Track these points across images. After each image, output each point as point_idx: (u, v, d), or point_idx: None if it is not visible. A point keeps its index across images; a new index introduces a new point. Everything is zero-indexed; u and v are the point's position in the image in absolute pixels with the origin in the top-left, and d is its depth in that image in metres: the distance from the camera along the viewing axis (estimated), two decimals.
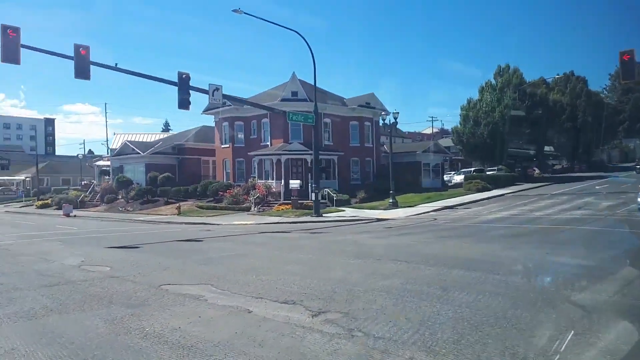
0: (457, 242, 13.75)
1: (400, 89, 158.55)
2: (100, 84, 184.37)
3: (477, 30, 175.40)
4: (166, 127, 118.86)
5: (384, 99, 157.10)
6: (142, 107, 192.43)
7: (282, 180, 34.70)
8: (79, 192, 47.60)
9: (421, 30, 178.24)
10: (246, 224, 24.26)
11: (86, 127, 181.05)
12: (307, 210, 28.25)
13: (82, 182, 52.59)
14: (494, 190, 35.86)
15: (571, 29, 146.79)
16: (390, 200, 29.55)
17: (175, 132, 54.21)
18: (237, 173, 39.72)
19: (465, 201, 30.62)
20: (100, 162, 52.94)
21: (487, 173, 42.51)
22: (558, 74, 44.47)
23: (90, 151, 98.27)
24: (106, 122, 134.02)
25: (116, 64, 19.55)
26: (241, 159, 39.55)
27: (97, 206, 43.52)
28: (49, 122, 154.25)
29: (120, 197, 42.27)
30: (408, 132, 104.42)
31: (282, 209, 28.95)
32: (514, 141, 43.64)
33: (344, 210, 28.86)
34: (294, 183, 31.45)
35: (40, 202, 47.67)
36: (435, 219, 22.83)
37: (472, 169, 49.98)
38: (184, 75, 20.64)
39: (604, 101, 58.00)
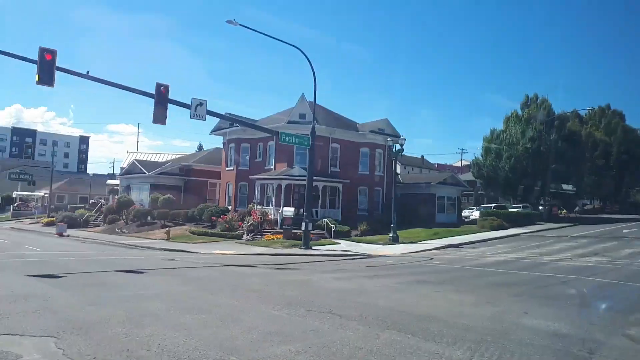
0: (430, 290, 11.60)
1: (436, 120, 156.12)
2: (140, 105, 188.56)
3: (517, 61, 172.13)
4: (199, 150, 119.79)
5: (418, 129, 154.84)
6: (181, 130, 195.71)
7: (281, 207, 32.95)
8: (86, 211, 47.12)
9: (460, 60, 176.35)
10: (225, 254, 22.53)
11: (127, 147, 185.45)
12: (299, 242, 26.30)
13: (90, 201, 52.17)
14: (510, 229, 33.18)
15: (612, 60, 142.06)
16: (391, 235, 27.37)
17: (188, 154, 53.27)
18: (240, 197, 38.28)
19: (475, 240, 28.15)
20: (111, 181, 52.60)
21: (505, 210, 39.70)
22: (592, 107, 41.51)
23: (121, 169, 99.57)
24: (137, 141, 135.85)
25: (88, 72, 18.42)
26: (244, 183, 38.12)
27: (98, 226, 42.77)
28: (83, 140, 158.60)
29: (122, 218, 41.35)
30: (438, 163, 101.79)
31: (273, 239, 27.10)
32: (540, 178, 40.70)
33: (339, 244, 26.81)
34: (288, 211, 29.64)
35: (46, 220, 47.37)
36: (432, 259, 20.61)
37: (493, 204, 47.20)
38: (162, 88, 19.33)
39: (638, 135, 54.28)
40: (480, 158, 44.43)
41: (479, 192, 51.01)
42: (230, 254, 22.67)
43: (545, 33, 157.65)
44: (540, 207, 50.53)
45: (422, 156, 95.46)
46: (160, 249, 25.19)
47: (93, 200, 51.47)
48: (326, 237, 29.61)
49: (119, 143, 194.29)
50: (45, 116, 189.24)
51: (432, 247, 25.35)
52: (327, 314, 8.48)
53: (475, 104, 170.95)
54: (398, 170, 66.57)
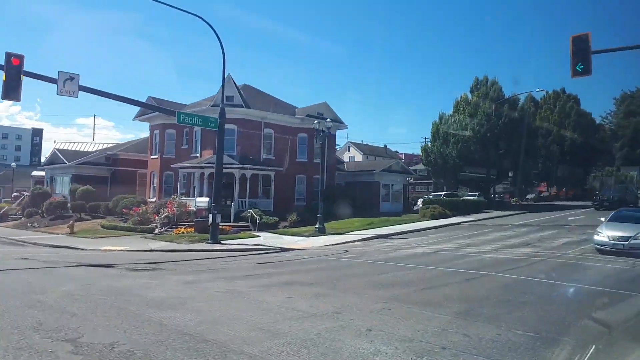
0: (284, 295, 9.13)
1: (411, 111, 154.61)
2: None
3: (488, 51, 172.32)
4: None
5: (393, 120, 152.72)
6: None
7: (197, 198, 30.21)
8: (5, 204, 43.39)
9: (432, 51, 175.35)
10: (113, 250, 19.79)
11: (98, 140, 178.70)
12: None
13: (13, 194, 48.30)
14: (452, 218, 31.28)
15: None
16: (317, 226, 25.02)
17: (121, 143, 49.75)
18: (165, 188, 35.35)
19: (408, 229, 26.06)
20: (36, 173, 48.78)
21: (452, 198, 37.92)
22: (541, 89, 39.78)
23: None
24: (94, 132, 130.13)
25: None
26: (170, 173, 35.21)
27: (16, 220, 39.21)
28: (37, 132, 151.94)
29: (40, 211, 37.89)
30: (405, 153, 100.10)
31: (183, 232, 24.39)
32: (489, 164, 38.93)
33: (258, 237, 24.34)
34: (201, 202, 26.94)
35: None
36: (346, 251, 18.49)
37: (443, 192, 45.45)
38: (13, 58, 16.30)
39: (595, 122, 53.27)
40: (429, 144, 42.44)
41: (441, 180, 49.16)
42: (119, 250, 19.94)
43: (501, 17, 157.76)
44: (496, 195, 49.38)
45: (385, 145, 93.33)
46: (47, 245, 22.24)
47: (16, 193, 47.57)
48: (250, 230, 27.13)
49: (88, 137, 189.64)
50: (11, 110, 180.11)
51: (358, 238, 23.16)
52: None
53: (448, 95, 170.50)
54: (346, 159, 64.61)
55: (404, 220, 30.11)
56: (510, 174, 45.53)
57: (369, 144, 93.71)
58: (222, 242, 21.66)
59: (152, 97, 36.11)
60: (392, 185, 39.66)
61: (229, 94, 32.83)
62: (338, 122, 37.67)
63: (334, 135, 38.96)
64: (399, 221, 29.75)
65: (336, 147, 46.08)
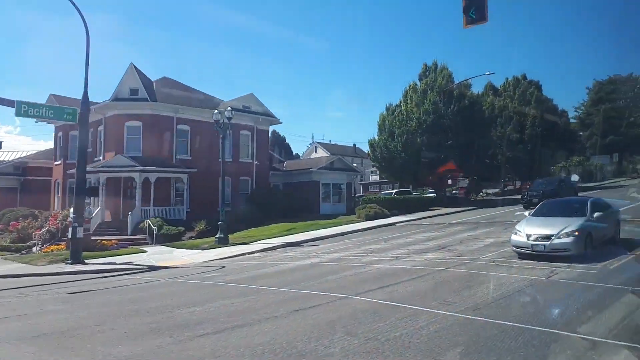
0: None
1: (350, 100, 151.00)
2: None
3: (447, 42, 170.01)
4: None
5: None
6: None
7: (99, 207, 26.49)
8: None
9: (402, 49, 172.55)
10: None
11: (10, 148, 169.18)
12: (93, 252, 20.01)
13: None
14: (390, 218, 28.08)
15: (528, 28, 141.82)
16: (217, 236, 21.53)
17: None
18: (70, 198, 31.34)
19: (330, 234, 22.73)
20: None
21: (393, 196, 34.85)
22: (490, 72, 36.54)
23: None
24: None
25: None
26: (74, 180, 31.22)
27: None
28: None
29: None
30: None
31: (53, 250, 20.64)
32: (439, 156, 35.72)
33: (144, 252, 20.83)
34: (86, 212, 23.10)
35: None
36: (224, 267, 15.40)
37: (394, 190, 42.35)
38: None
39: (557, 108, 50.63)
40: (375, 138, 39.14)
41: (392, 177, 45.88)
42: None
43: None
44: (454, 191, 46.33)
45: (354, 144, 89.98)
46: None
47: None
48: (146, 243, 23.52)
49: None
50: None
51: (262, 248, 19.80)
52: None
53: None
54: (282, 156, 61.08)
55: (335, 223, 26.74)
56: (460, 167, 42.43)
57: (337, 143, 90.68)
58: (88, 261, 17.97)
59: (54, 95, 32.34)
60: (334, 184, 36.29)
61: (133, 86, 29.31)
62: (267, 116, 34.31)
63: (266, 131, 35.49)
64: (329, 224, 26.37)
65: (292, 147, 42.50)
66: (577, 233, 11.31)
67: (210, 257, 18.16)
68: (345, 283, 10.42)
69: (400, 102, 39.13)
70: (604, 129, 74.21)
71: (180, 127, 30.37)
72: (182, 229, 25.04)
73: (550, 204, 13.96)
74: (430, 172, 37.55)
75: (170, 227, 24.55)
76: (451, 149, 35.70)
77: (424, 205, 33.23)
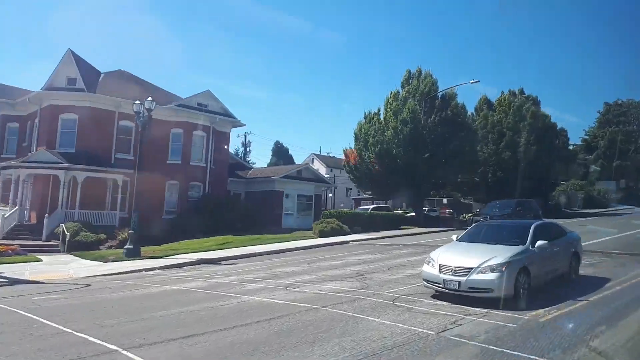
0: None
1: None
2: None
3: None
4: None
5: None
6: None
7: (17, 207, 23.73)
8: None
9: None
10: None
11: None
12: None
13: None
14: (348, 236, 25.16)
15: (527, 43, 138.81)
16: (126, 247, 18.59)
17: None
18: (3, 196, 28.68)
19: (265, 251, 19.88)
20: None
21: (368, 212, 31.80)
22: (475, 80, 33.28)
23: None
24: None
25: None
26: (10, 176, 28.57)
27: None
28: None
29: None
30: None
31: None
32: (414, 171, 32.64)
33: (39, 260, 17.91)
34: None
35: None
36: (89, 286, 12.43)
37: (371, 206, 39.37)
38: None
39: (556, 126, 47.17)
40: (351, 147, 36.20)
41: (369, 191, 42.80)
42: None
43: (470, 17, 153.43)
44: (436, 210, 43.13)
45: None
46: None
47: None
48: (59, 250, 20.70)
49: None
50: None
51: (170, 264, 16.96)
52: None
53: None
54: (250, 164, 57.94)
55: (282, 239, 23.74)
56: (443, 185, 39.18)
57: (336, 156, 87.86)
58: None
59: None
60: (301, 195, 33.35)
61: (70, 75, 26.76)
62: (226, 116, 31.47)
63: (228, 133, 32.70)
64: (275, 240, 23.38)
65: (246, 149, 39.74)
66: (504, 267, 8.29)
67: (100, 272, 15.33)
68: (160, 324, 7.50)
69: (379, 109, 36.32)
70: (611, 152, 70.84)
71: (123, 123, 27.65)
72: (103, 236, 22.16)
73: (485, 226, 10.93)
74: (408, 187, 34.52)
75: (88, 233, 21.66)
76: (430, 162, 32.67)
77: (393, 223, 30.23)
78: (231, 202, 30.16)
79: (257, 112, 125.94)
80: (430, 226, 31.66)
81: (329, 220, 26.42)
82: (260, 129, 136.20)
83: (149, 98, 19.79)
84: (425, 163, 32.63)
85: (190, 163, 29.52)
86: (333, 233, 25.08)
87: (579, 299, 8.73)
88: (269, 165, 70.06)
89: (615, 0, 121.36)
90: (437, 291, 8.94)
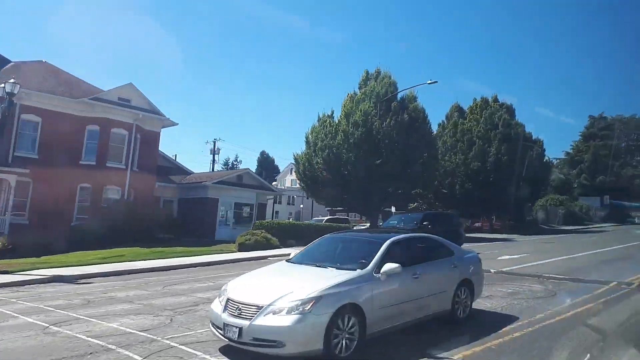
0: None
1: None
2: None
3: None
4: None
5: None
6: None
7: None
8: None
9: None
10: None
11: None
12: None
13: None
14: (275, 250, 22.11)
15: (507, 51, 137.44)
16: None
17: None
18: None
19: (142, 268, 16.55)
20: None
21: (285, 222, 28.90)
22: (433, 81, 30.46)
23: None
24: None
25: None
26: None
27: None
28: None
29: None
30: None
31: None
32: (367, 180, 29.68)
33: None
34: None
35: None
36: None
37: (326, 217, 36.37)
38: None
39: (532, 136, 44.40)
40: (300, 153, 33.14)
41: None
42: None
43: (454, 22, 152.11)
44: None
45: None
46: None
47: None
48: None
49: None
50: None
51: (7, 282, 13.57)
52: None
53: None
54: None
55: (191, 253, 20.66)
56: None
57: None
58: None
59: None
60: (239, 204, 30.26)
61: None
62: (153, 113, 28.42)
63: (157, 133, 29.56)
64: (181, 253, 20.29)
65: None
66: (309, 306, 5.27)
67: None
68: None
69: (332, 112, 33.50)
70: (595, 167, 68.41)
71: (26, 117, 24.56)
72: None
73: (331, 240, 7.82)
74: (360, 197, 31.59)
75: None
76: (383, 170, 29.74)
77: None
78: (153, 210, 27.05)
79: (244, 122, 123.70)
80: None
81: (255, 232, 23.35)
82: (247, 139, 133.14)
83: (11, 80, 16.63)
84: (377, 171, 29.71)
85: (107, 164, 26.34)
86: (257, 247, 22.01)
87: (442, 356, 5.72)
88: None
89: (599, 13, 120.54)
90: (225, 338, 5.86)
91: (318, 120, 33.64)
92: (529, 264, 14.62)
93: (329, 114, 33.30)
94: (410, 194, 35.11)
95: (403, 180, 30.86)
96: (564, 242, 26.37)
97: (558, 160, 77.92)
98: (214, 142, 55.16)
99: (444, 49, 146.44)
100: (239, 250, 21.68)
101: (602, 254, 18.48)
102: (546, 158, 46.39)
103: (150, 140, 28.91)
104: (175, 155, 43.06)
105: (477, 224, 47.65)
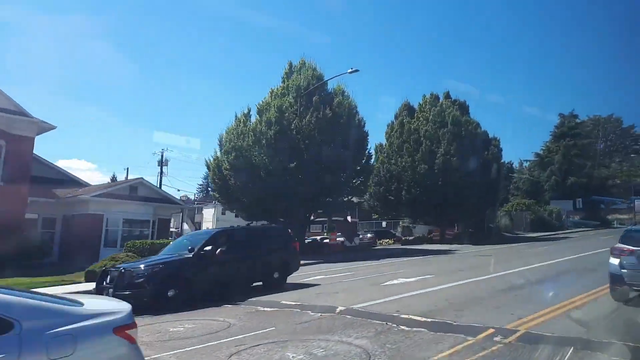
0: None
1: None
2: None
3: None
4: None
5: None
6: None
7: None
8: None
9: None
10: None
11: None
12: None
13: None
14: None
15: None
16: None
17: None
18: None
19: None
20: None
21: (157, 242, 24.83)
22: (353, 69, 26.60)
23: None
24: None
25: None
26: None
27: None
28: None
29: None
30: None
31: None
32: (281, 186, 25.83)
33: None
34: None
35: None
36: None
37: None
38: None
39: (487, 135, 40.87)
40: (211, 159, 29.15)
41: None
42: None
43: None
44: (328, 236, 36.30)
45: None
46: None
47: None
48: None
49: None
50: None
51: None
52: None
53: None
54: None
55: (26, 284, 16.46)
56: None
57: None
58: None
59: None
60: (130, 220, 26.13)
61: None
62: (21, 115, 24.24)
63: (30, 139, 25.27)
64: (15, 284, 15.99)
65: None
66: None
67: None
68: None
69: (249, 109, 29.65)
70: (565, 168, 65.38)
71: None
72: None
73: None
74: (280, 208, 27.74)
75: None
76: (302, 175, 25.96)
77: None
78: (65, 231, 23.00)
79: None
80: (304, 257, 24.76)
81: (118, 256, 19.20)
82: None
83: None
84: (295, 175, 25.90)
85: None
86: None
87: None
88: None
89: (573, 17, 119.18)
90: None
91: (235, 120, 29.77)
92: (407, 295, 10.84)
93: (246, 112, 29.44)
94: (345, 202, 31.34)
95: (327, 188, 27.07)
96: (504, 255, 22.73)
97: (530, 162, 74.98)
98: (162, 153, 50.96)
99: (392, 43, 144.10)
100: (87, 281, 17.52)
101: (533, 271, 14.79)
102: (509, 161, 42.71)
103: (22, 148, 24.66)
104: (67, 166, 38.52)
105: (436, 233, 43.74)
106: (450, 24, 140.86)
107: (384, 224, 49.74)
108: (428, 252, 27.21)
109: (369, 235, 41.00)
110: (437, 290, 11.25)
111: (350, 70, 25.84)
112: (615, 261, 9.36)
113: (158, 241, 21.89)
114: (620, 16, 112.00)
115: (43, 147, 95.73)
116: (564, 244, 30.33)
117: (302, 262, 22.30)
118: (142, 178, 27.09)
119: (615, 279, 9.24)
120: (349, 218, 52.89)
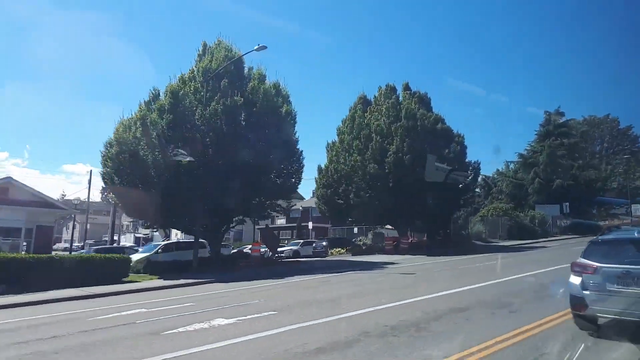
0: None
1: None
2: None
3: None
4: None
5: None
6: None
7: None
8: None
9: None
10: None
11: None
12: None
13: None
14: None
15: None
16: None
17: None
18: None
19: None
20: None
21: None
22: (261, 46, 22.35)
23: None
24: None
25: None
26: None
27: None
28: None
29: None
30: None
31: None
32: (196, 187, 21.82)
33: None
34: None
35: None
36: None
37: (162, 243, 28.33)
38: None
39: (451, 131, 36.48)
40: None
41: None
42: None
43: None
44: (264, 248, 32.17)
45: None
46: None
47: None
48: None
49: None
50: None
51: None
52: None
53: None
54: None
55: None
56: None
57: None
58: None
59: None
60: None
61: None
62: None
63: None
64: None
65: None
66: None
67: None
68: None
69: (155, 94, 25.56)
70: (550, 170, 61.11)
71: None
72: None
73: None
74: (183, 213, 23.68)
75: None
76: (204, 174, 21.92)
77: (114, 272, 18.89)
78: None
79: None
80: (211, 271, 20.93)
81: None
82: None
83: None
84: (196, 176, 21.84)
85: None
86: None
87: None
88: None
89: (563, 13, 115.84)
90: None
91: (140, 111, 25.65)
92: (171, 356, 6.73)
93: (147, 100, 25.34)
94: (268, 206, 27.21)
95: (240, 190, 23.02)
96: (433, 273, 18.51)
97: (515, 163, 70.75)
98: (90, 172, 50.31)
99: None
100: None
101: (459, 297, 10.76)
102: (476, 160, 38.34)
103: None
104: None
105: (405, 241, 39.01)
106: (450, 24, 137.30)
107: (355, 229, 45.84)
108: (358, 265, 23.07)
109: (323, 243, 37.27)
110: (238, 345, 7.15)
111: (257, 46, 21.69)
112: (576, 280, 7.57)
113: (21, 255, 17.78)
114: (619, 16, 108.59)
115: None
116: (534, 255, 26.38)
117: (173, 282, 18.22)
118: (10, 177, 22.99)
119: (576, 302, 7.44)
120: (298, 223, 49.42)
